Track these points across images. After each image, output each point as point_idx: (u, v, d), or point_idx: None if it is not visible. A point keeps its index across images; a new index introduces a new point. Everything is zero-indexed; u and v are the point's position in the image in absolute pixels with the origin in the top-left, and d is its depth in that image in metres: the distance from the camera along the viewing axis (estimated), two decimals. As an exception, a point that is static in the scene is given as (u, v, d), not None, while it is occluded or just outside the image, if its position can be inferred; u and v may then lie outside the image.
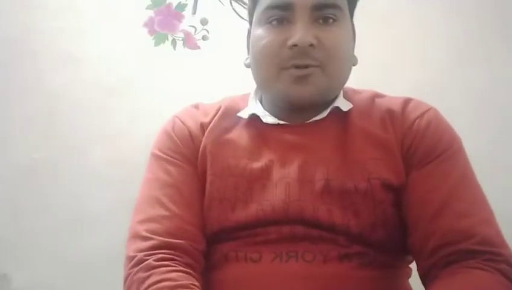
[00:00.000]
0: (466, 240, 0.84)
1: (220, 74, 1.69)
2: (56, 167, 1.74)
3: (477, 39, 1.71)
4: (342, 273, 0.87)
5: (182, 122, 1.01)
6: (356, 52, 1.00)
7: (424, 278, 0.88)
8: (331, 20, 0.91)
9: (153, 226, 0.90)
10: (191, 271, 0.87)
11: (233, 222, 0.91)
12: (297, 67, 0.90)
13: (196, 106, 1.05)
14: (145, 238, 0.89)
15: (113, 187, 1.69)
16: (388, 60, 1.71)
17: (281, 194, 0.89)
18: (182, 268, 0.86)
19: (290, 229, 0.88)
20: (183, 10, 1.65)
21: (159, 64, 1.74)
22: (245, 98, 1.04)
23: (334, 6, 0.91)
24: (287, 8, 0.90)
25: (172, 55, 1.69)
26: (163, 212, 0.91)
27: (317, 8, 0.89)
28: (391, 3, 1.74)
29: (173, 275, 0.84)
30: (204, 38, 1.66)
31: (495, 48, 1.71)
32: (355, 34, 0.99)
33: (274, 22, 0.91)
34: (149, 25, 1.64)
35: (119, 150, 1.71)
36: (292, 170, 0.91)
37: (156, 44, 1.66)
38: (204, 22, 1.65)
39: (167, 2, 1.64)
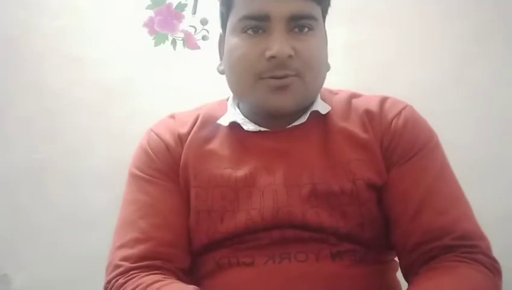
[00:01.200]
0: (445, 237, 0.85)
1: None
2: (56, 167, 1.74)
3: (478, 39, 1.71)
4: (334, 272, 0.87)
5: (157, 135, 0.98)
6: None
7: (407, 276, 0.90)
8: (306, 29, 0.91)
9: (127, 252, 0.89)
10: (164, 274, 0.88)
11: (222, 233, 0.90)
12: (276, 77, 0.89)
13: (172, 116, 1.02)
14: (118, 266, 0.89)
15: (113, 187, 1.68)
16: (389, 60, 1.71)
17: (268, 201, 0.89)
18: (154, 271, 0.87)
19: (281, 233, 0.88)
20: (183, 10, 1.65)
21: (159, 64, 1.74)
22: (223, 104, 1.03)
23: (310, 17, 0.91)
24: (263, 18, 0.89)
25: (172, 55, 1.68)
26: (138, 235, 0.90)
27: (294, 18, 0.89)
28: (391, 3, 1.74)
29: (145, 278, 0.84)
30: (204, 38, 1.66)
31: (496, 47, 1.70)
32: (327, 41, 0.99)
33: (250, 31, 0.90)
34: (149, 25, 1.64)
35: (119, 150, 1.70)
36: (278, 176, 0.91)
37: (156, 44, 1.66)
38: (204, 22, 1.65)
39: (167, 2, 1.64)
